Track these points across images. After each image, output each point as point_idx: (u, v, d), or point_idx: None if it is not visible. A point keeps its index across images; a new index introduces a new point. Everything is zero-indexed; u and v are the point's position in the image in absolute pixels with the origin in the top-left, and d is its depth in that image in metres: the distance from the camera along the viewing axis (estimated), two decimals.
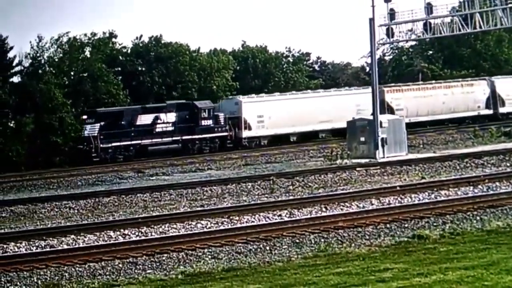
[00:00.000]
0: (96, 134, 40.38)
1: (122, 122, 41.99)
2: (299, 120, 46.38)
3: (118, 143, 40.89)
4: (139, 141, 41.84)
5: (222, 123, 44.76)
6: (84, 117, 43.08)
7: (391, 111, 48.52)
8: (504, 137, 40.86)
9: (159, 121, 42.92)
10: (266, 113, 45.98)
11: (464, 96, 53.09)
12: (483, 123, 50.96)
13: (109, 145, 40.59)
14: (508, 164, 28.45)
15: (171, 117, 43.46)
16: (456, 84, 55.13)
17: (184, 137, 43.05)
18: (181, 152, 42.24)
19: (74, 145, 41.36)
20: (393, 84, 55.17)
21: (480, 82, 55.75)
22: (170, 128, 43.17)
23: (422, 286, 9.36)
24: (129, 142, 41.48)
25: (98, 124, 40.96)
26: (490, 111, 54.39)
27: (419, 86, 53.86)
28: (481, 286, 8.99)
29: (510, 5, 47.11)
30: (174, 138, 42.88)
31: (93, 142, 39.94)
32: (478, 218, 17.04)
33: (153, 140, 42.32)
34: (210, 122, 44.24)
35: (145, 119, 42.69)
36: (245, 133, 45.42)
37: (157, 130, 42.81)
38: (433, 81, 56.49)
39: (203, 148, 43.57)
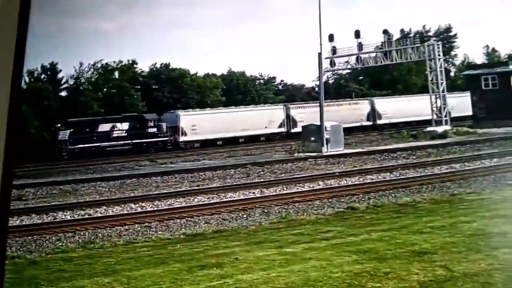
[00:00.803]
0: (66, 138, 39.02)
1: (87, 129, 40.14)
2: (224, 128, 44.17)
3: (82, 145, 39.08)
4: (99, 144, 39.81)
5: (164, 131, 42.41)
6: (59, 125, 41.44)
7: (294, 123, 47.62)
8: (412, 138, 41.23)
9: (115, 128, 40.91)
10: (198, 123, 43.63)
11: (352, 112, 51.13)
12: (364, 131, 49.99)
13: (76, 146, 38.92)
14: (415, 157, 28.56)
15: (125, 126, 41.36)
16: (345, 103, 53.31)
17: (134, 141, 40.88)
18: (131, 152, 39.54)
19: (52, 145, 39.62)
20: (297, 103, 52.74)
21: (364, 101, 53.95)
22: (124, 134, 40.99)
23: (353, 242, 9.35)
24: (91, 144, 39.62)
25: (69, 131, 39.45)
26: (370, 123, 52.76)
27: (318, 104, 52.67)
28: (395, 242, 8.95)
29: (416, 45, 47.71)
30: (126, 142, 40.75)
31: (64, 144, 38.81)
32: (393, 195, 17.09)
33: (110, 143, 40.24)
34: (154, 130, 42.11)
35: (104, 127, 40.45)
36: (182, 138, 43.13)
37: (114, 135, 40.65)
38: (328, 101, 53.99)
39: (149, 149, 40.85)
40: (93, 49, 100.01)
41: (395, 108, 53.29)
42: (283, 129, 48.11)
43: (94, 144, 39.76)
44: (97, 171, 31.28)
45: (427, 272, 6.87)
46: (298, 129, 47.56)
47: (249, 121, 45.53)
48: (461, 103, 54.04)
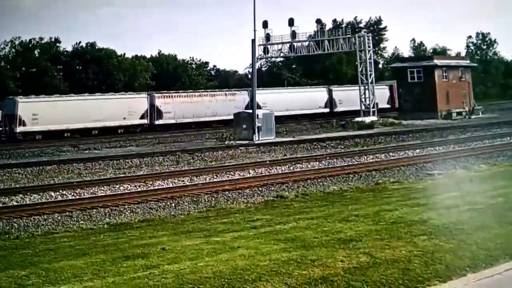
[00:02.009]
0: None
1: None
2: (73, 118, 39.31)
3: None
4: None
5: None
6: None
7: (159, 113, 44.21)
8: (341, 128, 42.57)
9: None
10: (41, 112, 38.42)
11: (227, 103, 46.95)
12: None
13: None
14: (343, 147, 29.52)
15: None
16: (221, 93, 49.68)
17: None
18: None
19: None
20: (164, 92, 47.80)
21: (242, 92, 49.67)
22: None
23: (282, 230, 9.47)
24: None
25: None
26: None
27: (188, 94, 47.63)
28: (322, 230, 9.16)
29: (348, 36, 49.24)
30: None
31: None
32: (321, 183, 17.56)
33: None
34: None
35: None
36: (19, 129, 37.96)
37: None
38: (201, 90, 51.12)
39: None
40: (11, 25, 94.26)
41: (279, 100, 49.72)
42: (145, 121, 44.04)
43: None
44: (13, 157, 29.66)
45: (351, 259, 7.17)
46: (163, 120, 44.34)
47: (104, 111, 41.03)
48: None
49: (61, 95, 44.84)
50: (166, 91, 48.43)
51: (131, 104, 43.60)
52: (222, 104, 46.81)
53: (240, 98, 48.95)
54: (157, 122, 44.38)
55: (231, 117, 46.87)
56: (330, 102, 54.80)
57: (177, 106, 45.06)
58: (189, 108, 45.27)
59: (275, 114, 50.13)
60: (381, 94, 55.79)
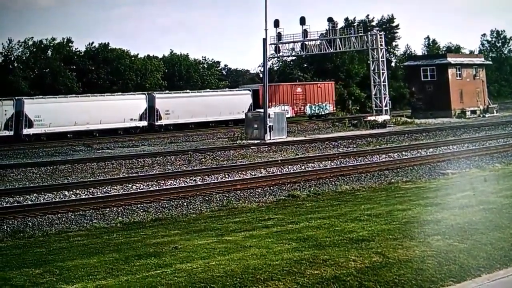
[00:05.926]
0: None
1: None
2: None
3: None
4: None
5: None
6: None
7: None
8: (353, 127, 42.38)
9: None
10: None
11: None
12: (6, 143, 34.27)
13: None
14: (355, 146, 29.43)
15: None
16: None
17: None
18: None
19: None
20: None
21: (5, 102, 35.78)
22: None
23: (293, 230, 9.43)
24: None
25: None
26: (11, 133, 35.85)
27: None
28: (334, 230, 9.10)
29: (360, 34, 48.99)
30: None
31: None
32: (333, 183, 17.56)
33: None
34: None
35: None
36: None
37: None
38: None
39: None
40: (25, 25, 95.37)
41: (61, 110, 37.30)
42: None
43: None
44: (27, 156, 29.98)
45: (364, 259, 7.13)
46: None
47: None
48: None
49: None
50: None
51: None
52: None
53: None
54: None
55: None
56: (149, 113, 41.57)
57: None
58: None
59: (56, 130, 36.63)
60: (238, 102, 45.68)
